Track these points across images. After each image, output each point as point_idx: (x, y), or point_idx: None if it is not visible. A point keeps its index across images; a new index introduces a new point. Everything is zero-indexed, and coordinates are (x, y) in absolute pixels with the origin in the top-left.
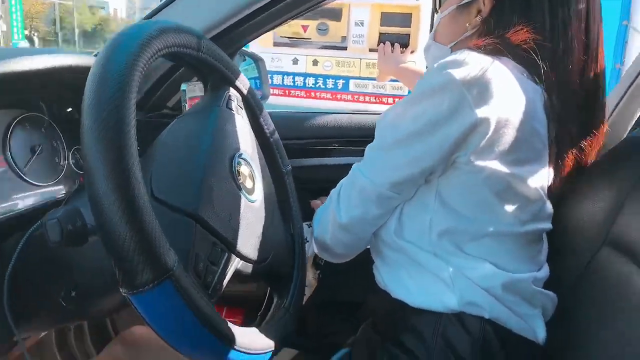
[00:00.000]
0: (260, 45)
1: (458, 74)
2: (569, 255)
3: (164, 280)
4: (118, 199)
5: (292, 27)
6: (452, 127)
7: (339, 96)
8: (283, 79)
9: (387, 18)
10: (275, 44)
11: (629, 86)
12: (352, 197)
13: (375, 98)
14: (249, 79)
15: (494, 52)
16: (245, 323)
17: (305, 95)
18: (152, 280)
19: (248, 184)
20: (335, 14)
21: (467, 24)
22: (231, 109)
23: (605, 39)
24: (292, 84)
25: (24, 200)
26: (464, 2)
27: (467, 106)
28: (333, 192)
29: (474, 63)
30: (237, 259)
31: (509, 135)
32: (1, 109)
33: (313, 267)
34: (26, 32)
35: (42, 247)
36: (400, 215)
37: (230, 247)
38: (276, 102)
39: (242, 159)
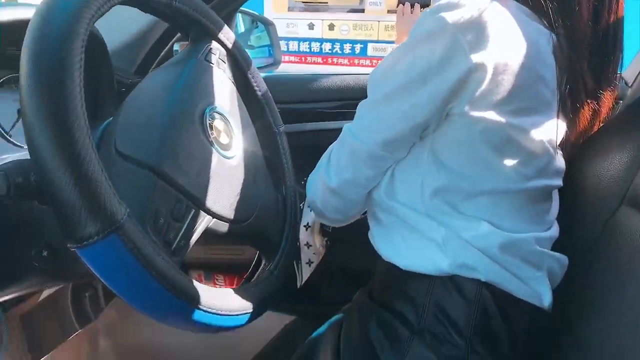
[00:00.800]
0: (274, 12)
1: (451, 17)
2: (585, 216)
3: (110, 234)
4: (55, 147)
5: None
6: (445, 76)
7: (356, 61)
8: (299, 45)
9: None
10: (290, 9)
11: None
12: (342, 159)
13: None
14: (261, 46)
15: None
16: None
17: (322, 62)
18: (97, 234)
19: (223, 139)
20: None
21: None
22: (210, 62)
23: None
24: (308, 50)
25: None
26: None
27: (461, 52)
28: (324, 155)
29: (469, 4)
30: (208, 217)
31: (508, 82)
32: None
33: (320, 234)
34: None
35: (12, 206)
36: (392, 175)
37: (198, 203)
38: (292, 69)
39: (216, 112)
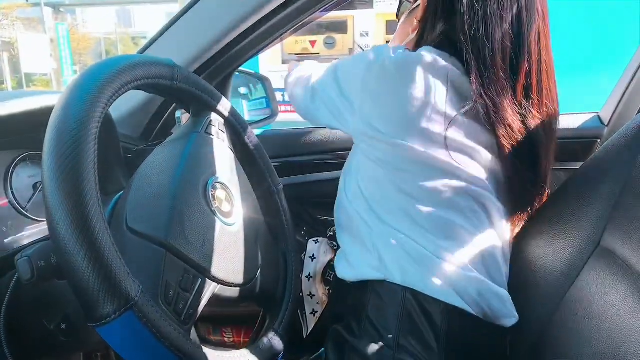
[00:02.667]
0: (268, 64)
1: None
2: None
3: (126, 311)
4: (74, 236)
5: (300, 43)
6: None
7: None
8: None
9: (392, 26)
10: (284, 62)
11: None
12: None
13: None
14: (257, 99)
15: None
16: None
17: None
18: (114, 312)
19: (225, 207)
20: (342, 27)
21: (410, 30)
22: (210, 134)
23: None
24: None
25: (27, 237)
26: (409, 10)
27: None
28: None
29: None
30: (214, 284)
31: None
32: (3, 149)
33: (322, 283)
34: (76, 67)
35: (33, 286)
36: (345, 180)
37: (204, 272)
38: (288, 119)
39: (218, 183)
